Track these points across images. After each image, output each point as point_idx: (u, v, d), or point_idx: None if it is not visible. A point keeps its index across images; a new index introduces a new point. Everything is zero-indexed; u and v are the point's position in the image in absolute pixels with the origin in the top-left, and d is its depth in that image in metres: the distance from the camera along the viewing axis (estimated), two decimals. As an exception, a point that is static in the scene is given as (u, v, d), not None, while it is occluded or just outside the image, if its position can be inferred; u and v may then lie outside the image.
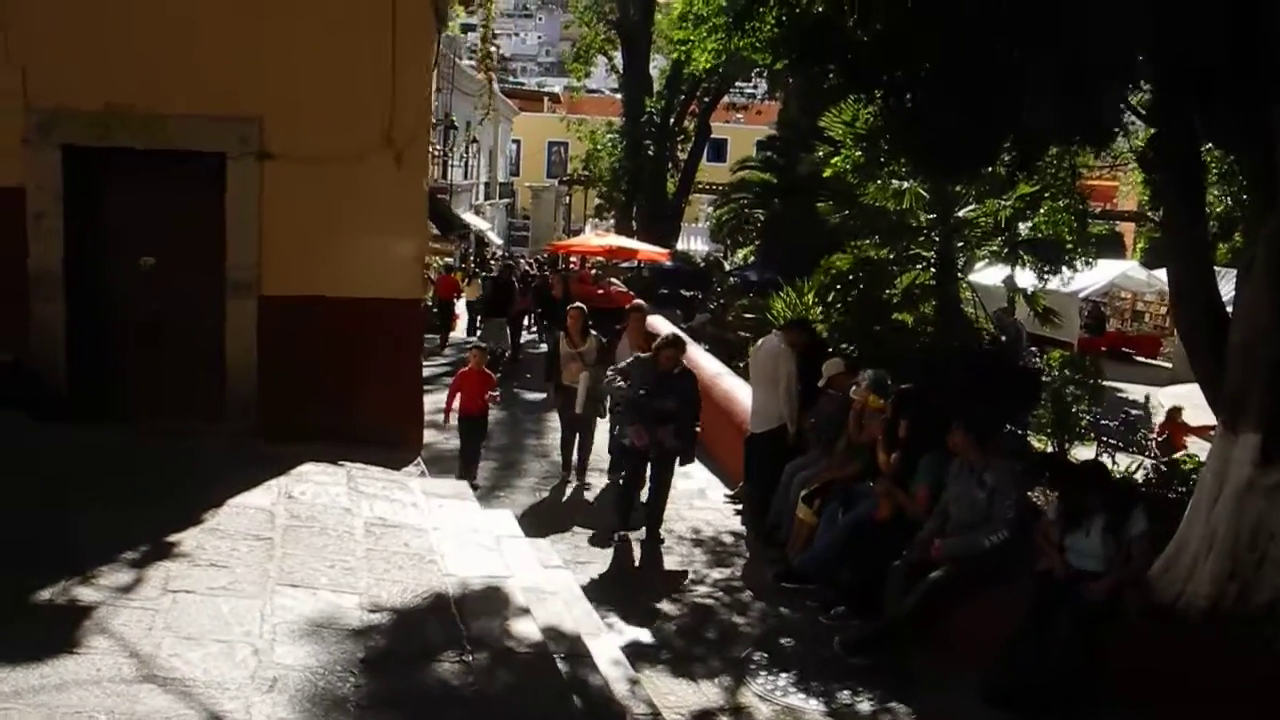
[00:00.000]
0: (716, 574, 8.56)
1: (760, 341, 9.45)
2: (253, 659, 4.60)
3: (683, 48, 11.54)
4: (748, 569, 8.68)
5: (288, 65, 8.41)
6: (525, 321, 22.60)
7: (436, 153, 32.98)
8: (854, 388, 8.72)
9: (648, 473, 9.09)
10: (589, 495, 10.69)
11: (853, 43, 10.36)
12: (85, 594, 5.02)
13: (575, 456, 10.91)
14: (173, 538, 5.79)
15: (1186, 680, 5.94)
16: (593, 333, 10.87)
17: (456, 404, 10.37)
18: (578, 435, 10.85)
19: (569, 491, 10.80)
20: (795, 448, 9.16)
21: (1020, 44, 8.30)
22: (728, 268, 33.78)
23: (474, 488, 9.11)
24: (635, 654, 6.66)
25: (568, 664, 5.38)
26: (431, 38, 9.06)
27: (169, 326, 8.61)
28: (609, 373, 9.60)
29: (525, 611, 5.67)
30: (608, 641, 6.33)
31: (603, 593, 7.67)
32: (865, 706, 6.31)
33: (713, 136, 50.40)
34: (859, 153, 14.15)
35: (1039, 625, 5.97)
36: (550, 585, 6.61)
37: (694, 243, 43.94)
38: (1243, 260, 8.21)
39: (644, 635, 7.19)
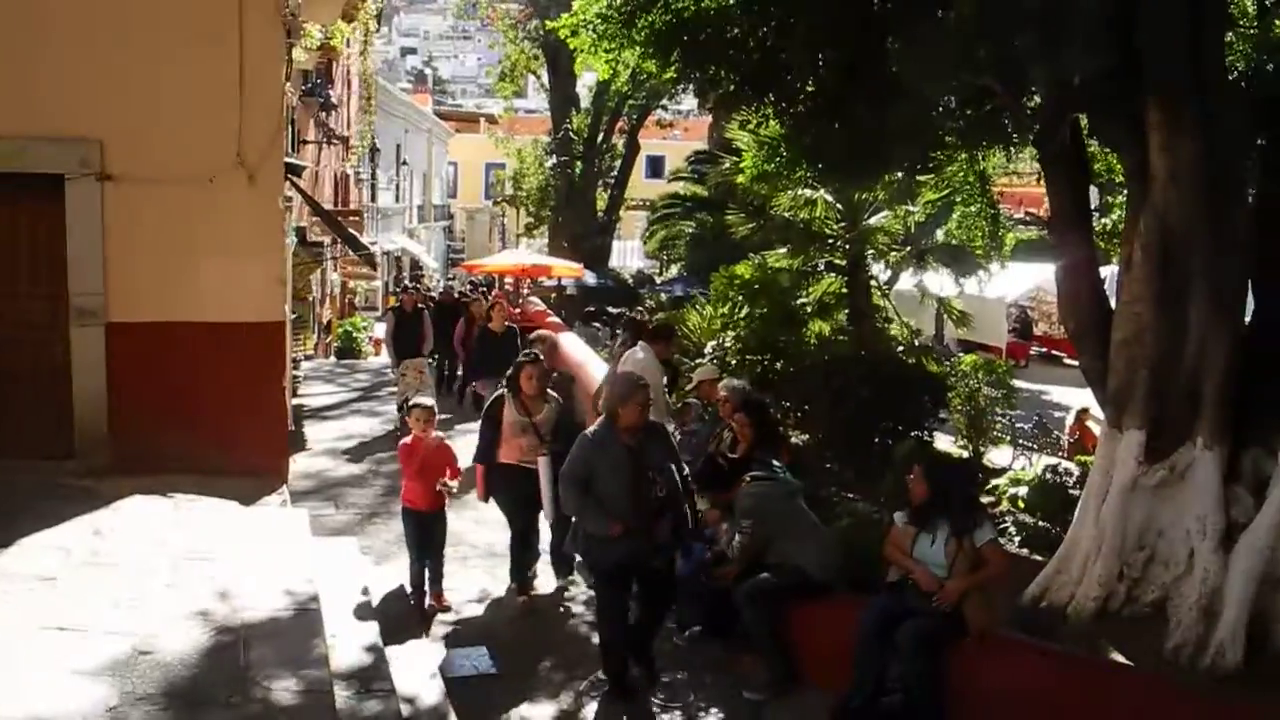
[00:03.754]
0: (581, 593, 8.29)
1: (626, 354, 9.16)
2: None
3: (577, 56, 11.29)
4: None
5: (130, 86, 8.18)
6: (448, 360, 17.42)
7: (361, 176, 32.62)
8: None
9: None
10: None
11: (744, 48, 10.26)
12: None
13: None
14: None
15: (1036, 697, 5.69)
16: (554, 395, 8.22)
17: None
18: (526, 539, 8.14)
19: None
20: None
21: (917, 51, 8.23)
22: (658, 283, 33.61)
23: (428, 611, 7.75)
24: (466, 679, 6.63)
25: (358, 703, 5.10)
26: (280, 55, 8.85)
27: (7, 358, 8.19)
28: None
29: (322, 655, 5.38)
30: (420, 673, 6.19)
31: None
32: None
33: (650, 153, 50.58)
34: (765, 162, 13.99)
35: (884, 638, 5.74)
36: (365, 628, 6.38)
37: (632, 259, 43.82)
38: (1123, 258, 8.12)
39: (481, 658, 7.01)
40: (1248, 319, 8.18)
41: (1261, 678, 6.89)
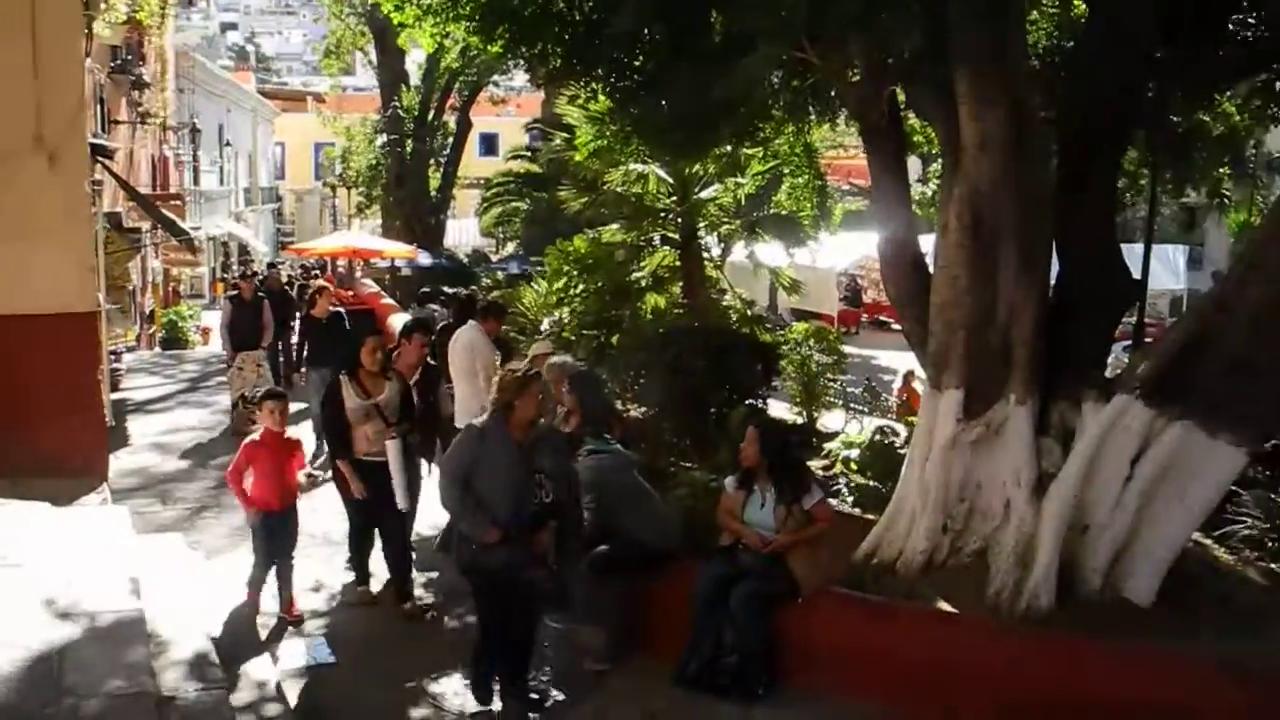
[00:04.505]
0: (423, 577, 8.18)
1: (456, 333, 9.09)
2: None
3: (402, 31, 11.07)
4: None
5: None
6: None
7: (181, 158, 31.37)
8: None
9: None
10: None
11: (570, 23, 10.26)
12: None
13: (391, 567, 7.71)
14: None
15: (866, 649, 5.94)
16: (394, 370, 7.71)
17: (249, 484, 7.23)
18: (385, 535, 7.56)
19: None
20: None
21: (743, 22, 8.36)
22: (494, 261, 33.36)
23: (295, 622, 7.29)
24: (303, 669, 6.57)
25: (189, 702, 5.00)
26: (79, 32, 8.40)
27: None
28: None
29: (144, 656, 5.23)
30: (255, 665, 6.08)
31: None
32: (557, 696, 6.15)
33: (484, 131, 50.03)
34: (595, 138, 14.04)
35: (719, 602, 5.90)
36: (194, 623, 6.21)
37: (468, 238, 43.34)
38: (939, 225, 8.45)
39: (319, 648, 6.96)
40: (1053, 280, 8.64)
41: (1072, 618, 7.33)
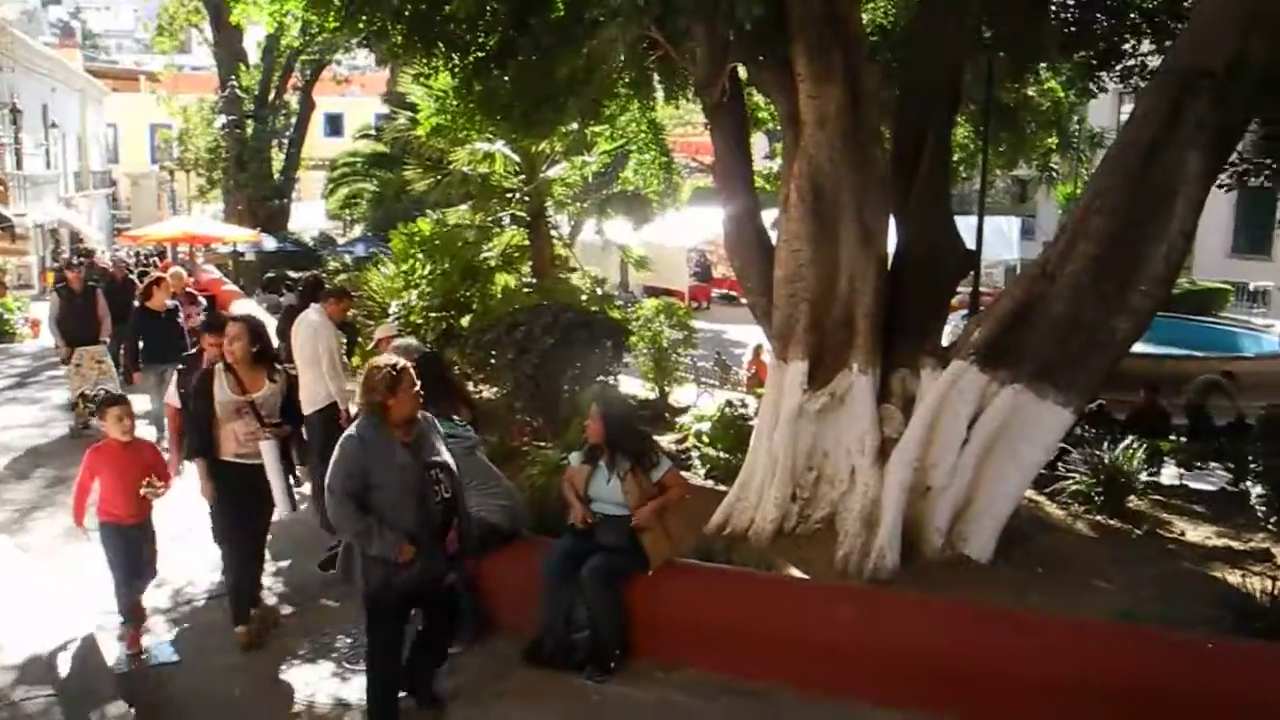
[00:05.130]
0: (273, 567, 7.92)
1: (299, 317, 8.86)
2: None
3: (236, 7, 10.66)
4: (305, 560, 8.02)
5: None
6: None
7: (2, 141, 29.76)
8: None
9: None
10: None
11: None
12: None
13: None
14: None
15: (716, 617, 6.04)
16: (280, 368, 6.83)
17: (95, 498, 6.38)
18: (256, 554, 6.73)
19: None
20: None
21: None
22: (341, 244, 32.66)
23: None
24: (145, 670, 6.28)
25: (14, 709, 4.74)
26: None
27: None
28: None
29: None
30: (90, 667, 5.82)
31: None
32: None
33: (328, 111, 48.80)
34: (439, 115, 13.84)
35: (569, 578, 5.92)
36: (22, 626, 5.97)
37: (315, 221, 42.30)
38: (781, 200, 8.61)
39: (162, 647, 6.66)
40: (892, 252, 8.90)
41: (916, 577, 7.61)
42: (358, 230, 33.86)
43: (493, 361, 10.91)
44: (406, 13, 9.92)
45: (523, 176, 14.96)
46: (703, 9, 7.51)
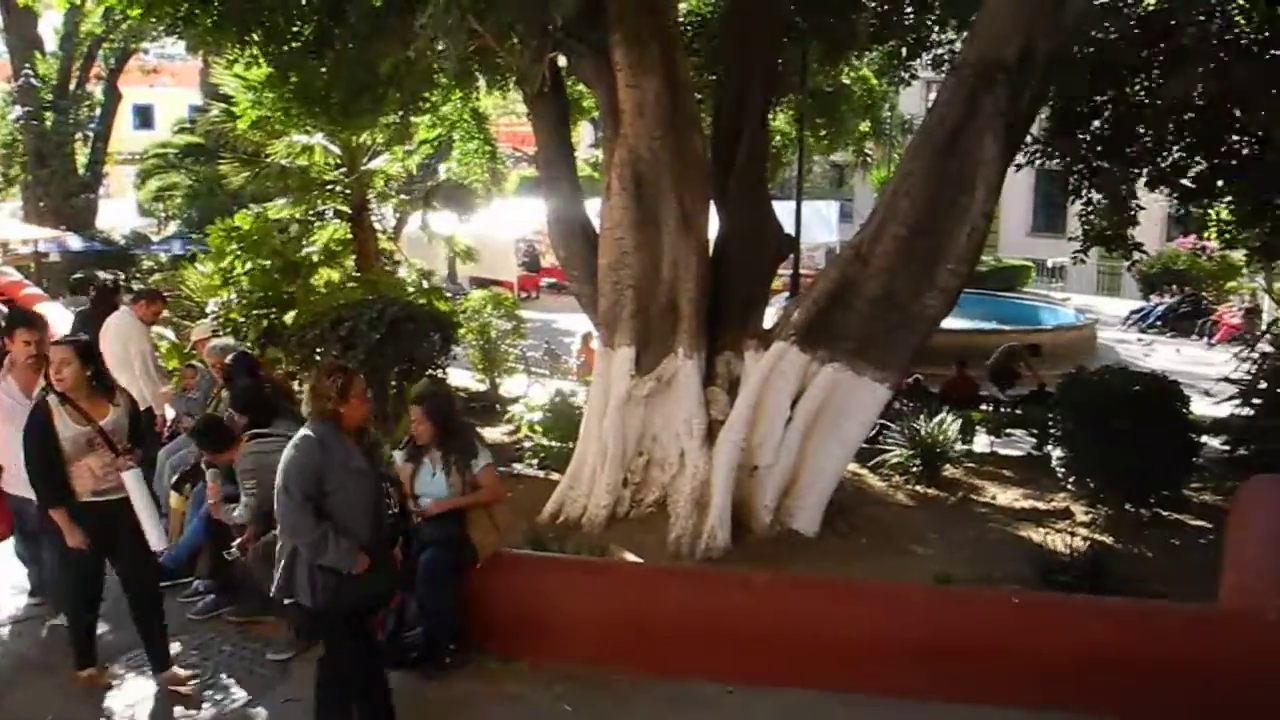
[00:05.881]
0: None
1: (107, 321, 8.48)
2: None
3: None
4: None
5: None
6: None
7: None
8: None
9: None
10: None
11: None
12: None
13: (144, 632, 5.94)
14: None
15: (548, 604, 6.08)
16: (122, 389, 6.01)
17: None
18: (134, 587, 5.89)
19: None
20: (174, 431, 8.26)
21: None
22: (156, 242, 31.24)
23: None
24: None
25: None
26: None
27: None
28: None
29: None
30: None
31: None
32: (239, 695, 5.90)
33: (138, 102, 46.50)
34: (256, 106, 13.43)
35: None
36: None
37: (127, 218, 40.29)
38: (603, 188, 8.67)
39: None
40: (713, 238, 9.08)
41: (747, 554, 7.83)
42: (173, 227, 32.40)
43: (317, 359, 10.65)
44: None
45: (343, 169, 14.60)
46: (522, 5, 7.51)
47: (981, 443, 12.24)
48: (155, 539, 5.80)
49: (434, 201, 15.40)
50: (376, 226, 15.31)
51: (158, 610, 5.89)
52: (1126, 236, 10.27)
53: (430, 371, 11.10)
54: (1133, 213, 9.86)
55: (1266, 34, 9.05)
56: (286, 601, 4.96)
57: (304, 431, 4.88)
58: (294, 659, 6.11)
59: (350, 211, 14.72)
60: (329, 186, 14.61)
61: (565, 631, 5.75)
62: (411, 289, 13.86)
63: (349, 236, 14.66)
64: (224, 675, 6.09)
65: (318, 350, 10.62)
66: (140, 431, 6.02)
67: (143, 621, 5.84)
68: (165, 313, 10.44)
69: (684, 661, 5.83)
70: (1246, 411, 9.94)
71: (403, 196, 15.32)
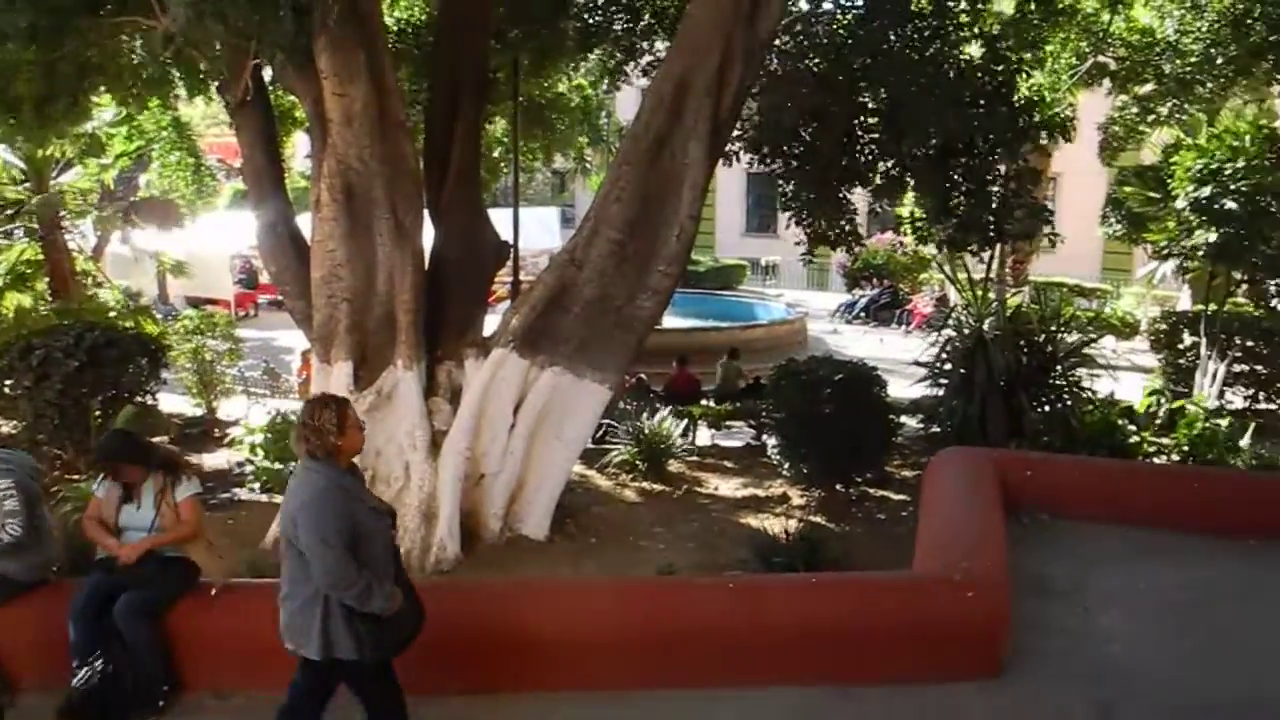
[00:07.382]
0: None
1: None
2: None
3: None
4: None
5: None
6: None
7: None
8: None
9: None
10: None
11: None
12: None
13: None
14: None
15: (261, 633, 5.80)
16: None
17: None
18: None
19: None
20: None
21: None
22: None
23: None
24: None
25: None
26: None
27: None
28: None
29: None
30: None
31: None
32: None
33: None
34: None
35: (102, 618, 5.49)
36: None
37: None
38: (312, 199, 8.45)
39: None
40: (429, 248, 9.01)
41: (478, 563, 7.84)
42: None
43: (7, 391, 9.86)
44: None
45: (29, 184, 13.58)
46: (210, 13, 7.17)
47: (704, 436, 12.70)
48: None
49: (137, 218, 14.52)
50: (72, 246, 14.30)
51: None
52: (846, 234, 10.81)
53: (139, 398, 10.51)
54: (853, 213, 10.52)
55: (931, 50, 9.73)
56: (313, 658, 4.60)
57: (311, 475, 4.53)
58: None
59: (39, 231, 13.69)
60: (14, 204, 13.54)
61: (286, 661, 5.54)
62: (115, 311, 13.05)
63: (40, 258, 13.65)
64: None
65: (7, 383, 9.86)
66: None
67: None
68: None
69: (420, 679, 5.74)
70: (937, 392, 10.78)
71: (101, 213, 14.36)
